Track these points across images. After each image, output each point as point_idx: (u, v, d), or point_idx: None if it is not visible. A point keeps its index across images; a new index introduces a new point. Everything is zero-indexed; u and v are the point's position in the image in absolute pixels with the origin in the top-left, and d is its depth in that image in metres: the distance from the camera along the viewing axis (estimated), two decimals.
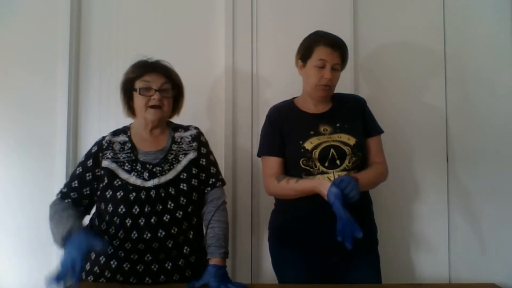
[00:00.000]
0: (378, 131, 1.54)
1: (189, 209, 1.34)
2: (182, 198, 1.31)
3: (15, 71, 1.93)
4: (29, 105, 1.92)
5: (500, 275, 1.78)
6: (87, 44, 1.96)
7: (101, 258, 1.30)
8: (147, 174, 1.31)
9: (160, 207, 1.28)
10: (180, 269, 1.32)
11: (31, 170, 1.91)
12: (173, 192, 1.31)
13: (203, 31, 1.95)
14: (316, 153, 1.41)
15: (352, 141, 1.44)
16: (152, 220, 1.27)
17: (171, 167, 1.34)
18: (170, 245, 1.30)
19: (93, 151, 1.36)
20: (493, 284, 1.38)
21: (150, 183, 1.29)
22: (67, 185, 1.35)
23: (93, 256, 1.33)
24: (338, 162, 1.41)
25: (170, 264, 1.30)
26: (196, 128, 1.46)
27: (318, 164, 1.41)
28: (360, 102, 1.57)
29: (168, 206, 1.29)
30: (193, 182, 1.35)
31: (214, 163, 1.45)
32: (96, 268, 1.31)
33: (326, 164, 1.41)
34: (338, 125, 1.46)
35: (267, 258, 1.92)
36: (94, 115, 1.94)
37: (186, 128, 1.45)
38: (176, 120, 1.51)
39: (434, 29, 1.95)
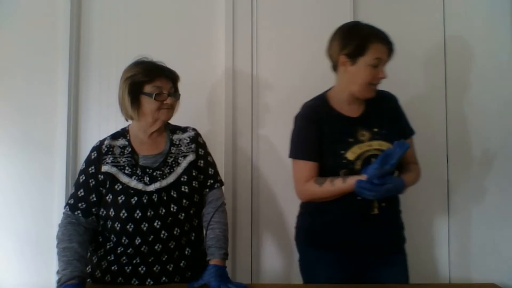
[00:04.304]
0: (411, 132, 1.48)
1: (191, 211, 1.34)
2: (184, 201, 1.31)
3: (15, 72, 1.93)
4: (29, 107, 1.92)
5: (500, 275, 1.79)
6: (87, 45, 1.96)
7: (103, 263, 1.31)
8: (147, 179, 1.30)
9: (163, 210, 1.28)
10: (182, 270, 1.32)
11: (31, 172, 1.91)
12: (175, 195, 1.31)
13: (203, 32, 1.95)
14: (358, 164, 1.34)
15: None
16: (155, 223, 1.27)
17: (171, 170, 1.34)
18: (172, 246, 1.30)
19: (92, 157, 1.34)
20: (493, 284, 1.38)
21: (151, 187, 1.29)
22: (73, 195, 1.32)
23: (94, 260, 1.33)
24: None
25: (172, 265, 1.30)
26: (193, 129, 1.46)
27: (357, 174, 1.34)
28: (394, 101, 1.49)
29: (171, 209, 1.29)
30: (193, 184, 1.35)
31: (212, 164, 1.44)
32: (98, 272, 1.31)
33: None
34: (376, 130, 1.38)
35: (267, 258, 1.94)
36: (94, 117, 1.95)
37: (184, 130, 1.45)
38: (177, 121, 1.50)
39: (434, 29, 1.95)
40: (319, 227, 1.44)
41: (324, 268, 1.40)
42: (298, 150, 1.42)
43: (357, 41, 1.33)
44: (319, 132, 1.38)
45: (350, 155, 1.34)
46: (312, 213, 1.47)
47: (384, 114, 1.42)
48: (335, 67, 1.44)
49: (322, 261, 1.41)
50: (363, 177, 1.26)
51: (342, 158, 1.34)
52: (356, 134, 1.37)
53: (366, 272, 1.40)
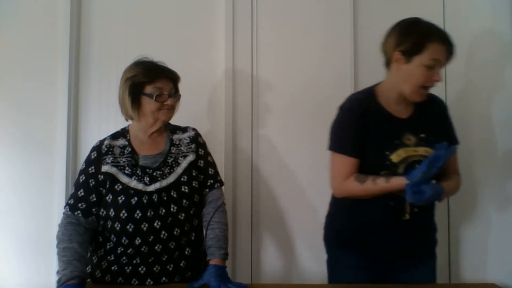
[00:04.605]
0: (456, 142, 1.41)
1: (191, 211, 1.34)
2: (184, 201, 1.31)
3: (15, 72, 1.92)
4: (29, 107, 1.92)
5: (500, 275, 1.79)
6: (87, 45, 1.96)
7: (103, 263, 1.31)
8: (148, 179, 1.30)
9: (163, 210, 1.28)
10: (182, 270, 1.33)
11: (31, 172, 1.91)
12: (175, 195, 1.31)
13: (203, 32, 1.95)
14: (401, 168, 1.28)
15: None
16: (155, 223, 1.27)
17: (171, 170, 1.34)
18: (172, 246, 1.30)
19: (92, 157, 1.34)
20: (493, 284, 1.38)
21: (151, 188, 1.29)
22: (73, 195, 1.31)
23: (94, 259, 1.33)
24: None
25: (172, 265, 1.30)
26: (194, 129, 1.46)
27: None
28: (443, 107, 1.42)
29: (171, 209, 1.29)
30: (193, 184, 1.35)
31: (212, 164, 1.44)
32: (98, 272, 1.32)
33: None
34: (422, 136, 1.33)
35: (267, 258, 1.94)
36: (94, 117, 1.94)
37: (184, 130, 1.45)
38: (177, 121, 1.50)
39: None
40: (348, 228, 1.41)
41: (351, 269, 1.39)
42: (340, 143, 1.35)
43: (415, 38, 1.26)
44: (364, 127, 1.32)
45: (395, 157, 1.29)
46: (342, 214, 1.44)
47: (432, 120, 1.36)
48: (388, 63, 1.36)
49: (349, 262, 1.39)
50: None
51: (386, 159, 1.29)
52: (402, 137, 1.32)
53: (393, 275, 1.38)
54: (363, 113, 1.33)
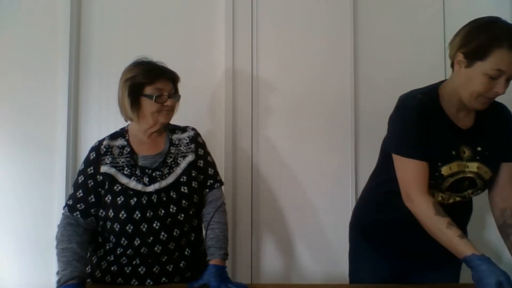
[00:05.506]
0: None
1: (191, 212, 1.34)
2: (184, 201, 1.31)
3: (15, 72, 1.92)
4: (29, 107, 1.92)
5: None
6: (87, 45, 1.96)
7: (103, 263, 1.31)
8: (147, 179, 1.30)
9: (163, 211, 1.28)
10: (181, 270, 1.32)
11: (31, 172, 1.91)
12: (174, 196, 1.30)
13: (203, 32, 1.95)
14: (449, 182, 1.19)
15: (488, 175, 1.21)
16: (155, 224, 1.27)
17: (171, 170, 1.33)
18: (172, 247, 1.30)
19: (91, 157, 1.33)
20: None
21: (151, 188, 1.29)
22: (72, 196, 1.31)
23: (94, 260, 1.33)
24: (462, 189, 1.24)
25: (172, 266, 1.30)
26: (193, 129, 1.45)
27: (443, 189, 1.22)
28: (507, 117, 1.27)
29: (171, 210, 1.29)
30: (193, 185, 1.34)
31: (212, 164, 1.44)
32: (98, 272, 1.32)
33: (449, 190, 1.23)
34: (479, 149, 1.21)
35: (267, 258, 1.94)
36: (94, 117, 1.95)
37: (183, 130, 1.44)
38: (177, 121, 1.49)
39: (434, 29, 1.95)
40: (376, 223, 1.38)
41: (372, 263, 1.38)
42: (408, 146, 1.20)
43: (480, 41, 1.09)
44: (427, 132, 1.19)
45: (446, 170, 1.18)
46: (372, 208, 1.41)
47: (492, 132, 1.23)
48: (452, 64, 1.22)
49: (372, 255, 1.38)
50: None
51: (436, 170, 1.18)
52: (459, 149, 1.20)
53: (414, 274, 1.35)
54: (427, 115, 1.19)
